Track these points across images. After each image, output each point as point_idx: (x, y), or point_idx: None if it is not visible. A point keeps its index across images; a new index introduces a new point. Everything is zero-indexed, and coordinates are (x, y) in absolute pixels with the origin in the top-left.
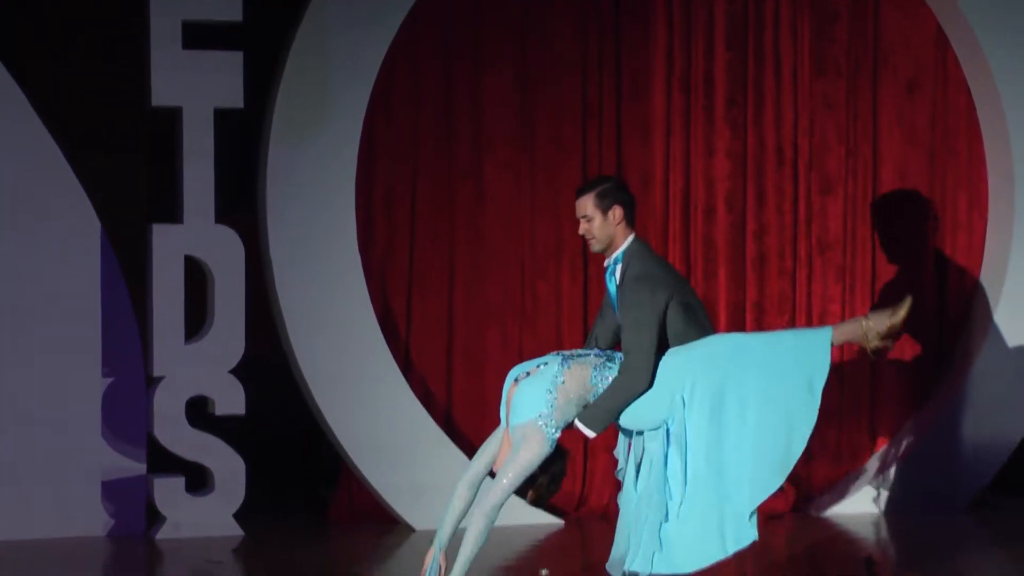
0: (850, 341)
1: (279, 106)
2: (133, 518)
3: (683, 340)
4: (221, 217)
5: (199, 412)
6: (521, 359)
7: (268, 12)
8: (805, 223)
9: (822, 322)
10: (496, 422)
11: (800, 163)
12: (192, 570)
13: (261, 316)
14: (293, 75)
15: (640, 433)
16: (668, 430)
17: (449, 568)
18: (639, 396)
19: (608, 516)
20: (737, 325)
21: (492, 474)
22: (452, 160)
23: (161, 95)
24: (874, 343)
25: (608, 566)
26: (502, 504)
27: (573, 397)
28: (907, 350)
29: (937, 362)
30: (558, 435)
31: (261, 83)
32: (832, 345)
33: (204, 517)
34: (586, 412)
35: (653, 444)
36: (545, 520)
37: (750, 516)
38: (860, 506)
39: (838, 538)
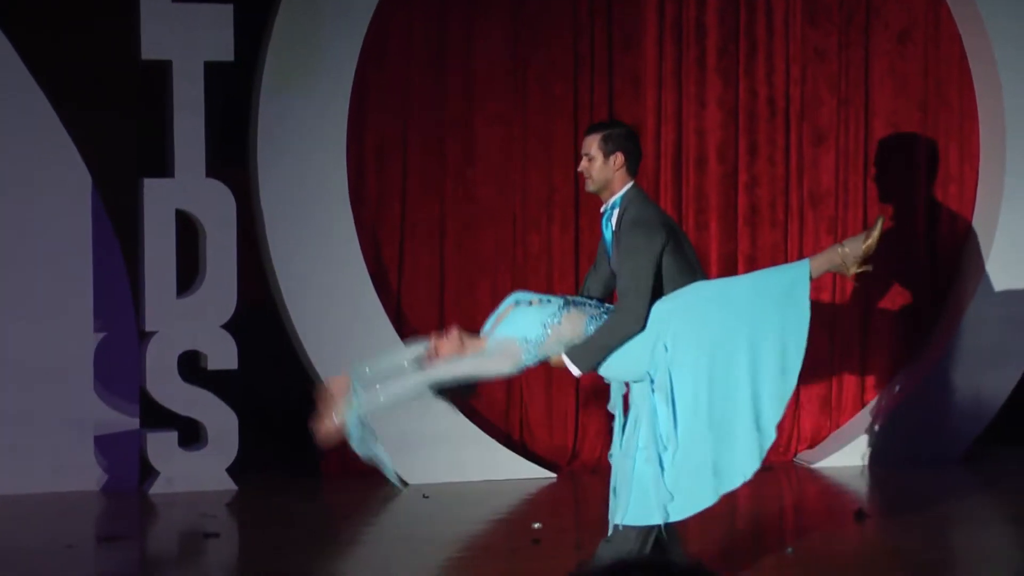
0: (829, 270)
1: (270, 59)
2: (126, 473)
3: (677, 285)
4: (212, 171)
5: (191, 367)
6: None
7: None
8: (797, 174)
9: None
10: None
11: (792, 114)
12: (185, 524)
13: (253, 270)
14: (284, 28)
15: (627, 386)
16: (652, 380)
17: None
18: (630, 338)
19: (600, 470)
20: (729, 275)
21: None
22: (443, 112)
23: (151, 49)
24: (853, 268)
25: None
26: (438, 382)
27: (564, 339)
28: (898, 301)
29: (928, 314)
30: (531, 365)
31: (251, 36)
32: (811, 277)
33: (197, 472)
34: (575, 348)
35: (640, 396)
36: (538, 474)
37: (758, 453)
38: (851, 458)
39: (829, 490)
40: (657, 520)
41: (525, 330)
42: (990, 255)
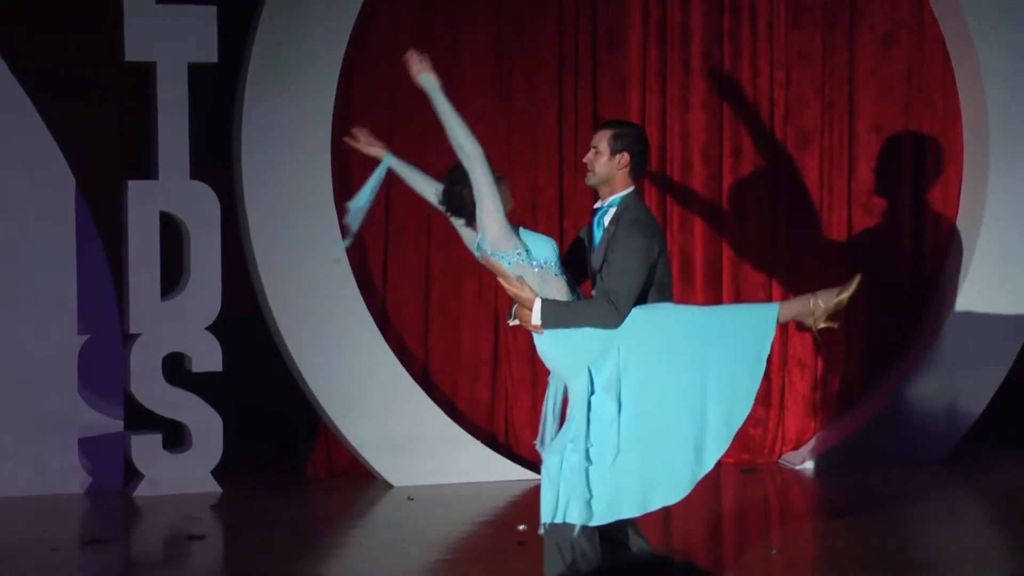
0: (796, 318)
1: (254, 60)
2: (111, 475)
3: (657, 295)
4: (196, 173)
5: (176, 369)
6: (497, 314)
7: None
8: (782, 177)
9: (798, 274)
10: (473, 378)
11: (776, 116)
12: (170, 527)
13: (237, 272)
14: (268, 29)
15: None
16: (592, 377)
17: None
18: (601, 328)
19: None
20: (714, 278)
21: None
22: (428, 113)
23: (135, 50)
24: (820, 323)
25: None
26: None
27: (545, 286)
28: (882, 303)
29: (912, 315)
30: (513, 261)
31: (236, 37)
32: (779, 322)
33: (182, 474)
34: (549, 302)
35: (577, 393)
36: (523, 476)
37: (689, 482)
38: (835, 460)
39: (813, 491)
40: (579, 520)
41: (535, 244)
42: (974, 256)
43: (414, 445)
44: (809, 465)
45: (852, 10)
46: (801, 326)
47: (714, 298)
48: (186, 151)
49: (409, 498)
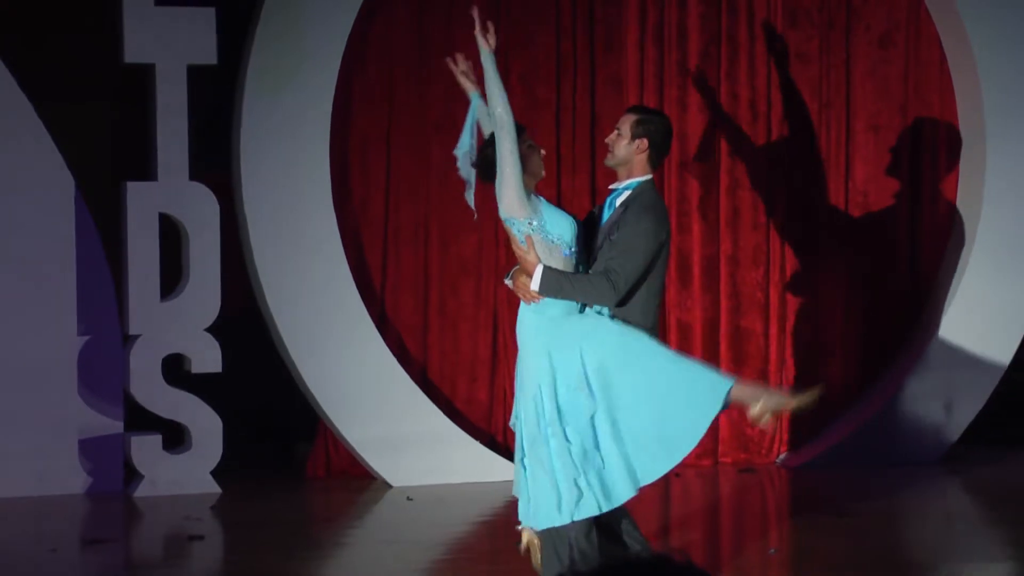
0: (743, 403)
1: (253, 62)
2: (111, 476)
3: (652, 286)
4: (195, 174)
5: (175, 370)
6: (496, 316)
7: None
8: (779, 177)
9: (795, 274)
10: (471, 378)
11: (773, 117)
12: (170, 527)
13: (236, 273)
14: (267, 31)
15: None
16: (552, 367)
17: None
18: (598, 305)
19: None
20: (711, 278)
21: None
22: (426, 114)
23: (134, 52)
24: (762, 417)
25: None
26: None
27: (544, 256)
28: (880, 304)
29: (909, 316)
30: (520, 228)
31: (235, 39)
32: (728, 398)
33: (181, 474)
34: (549, 269)
35: (533, 370)
36: None
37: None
38: (833, 460)
39: (811, 491)
40: (586, 513)
41: (552, 219)
42: (970, 257)
43: (413, 445)
44: (806, 465)
45: (848, 11)
46: (745, 408)
47: (712, 299)
48: (185, 152)
49: (408, 498)
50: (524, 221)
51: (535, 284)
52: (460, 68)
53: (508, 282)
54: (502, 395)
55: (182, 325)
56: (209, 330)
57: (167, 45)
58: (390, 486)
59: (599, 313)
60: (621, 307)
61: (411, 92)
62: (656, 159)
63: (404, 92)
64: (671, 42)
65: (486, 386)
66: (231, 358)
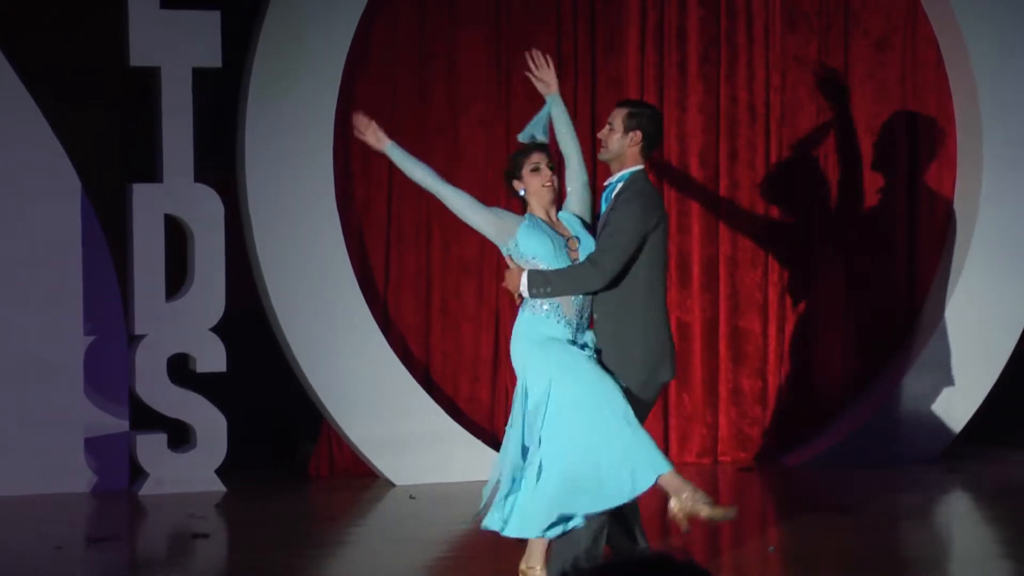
0: (666, 490)
1: (257, 65)
2: (116, 474)
3: (648, 270)
4: (200, 176)
5: (180, 369)
6: (498, 317)
7: None
8: (777, 179)
9: (793, 274)
10: (473, 378)
11: (772, 119)
12: (175, 525)
13: (241, 274)
14: (271, 34)
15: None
16: (527, 381)
17: None
18: (585, 291)
19: None
20: (711, 278)
21: None
22: (428, 116)
23: (139, 55)
24: (679, 513)
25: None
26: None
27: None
28: (878, 303)
29: (908, 315)
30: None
31: (239, 42)
32: (656, 481)
33: (186, 473)
34: (534, 272)
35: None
36: None
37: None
38: (832, 458)
39: (809, 489)
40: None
41: (529, 241)
42: (968, 257)
43: (415, 444)
44: (805, 463)
45: (846, 14)
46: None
47: (711, 299)
48: (190, 154)
49: (411, 496)
50: (503, 246)
51: (523, 289)
52: (539, 68)
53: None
54: (504, 395)
55: (187, 325)
56: (214, 330)
57: (172, 48)
58: (393, 485)
59: (588, 351)
60: (618, 289)
61: (413, 95)
62: (648, 150)
63: (406, 95)
64: (671, 44)
65: (488, 386)
66: (235, 358)
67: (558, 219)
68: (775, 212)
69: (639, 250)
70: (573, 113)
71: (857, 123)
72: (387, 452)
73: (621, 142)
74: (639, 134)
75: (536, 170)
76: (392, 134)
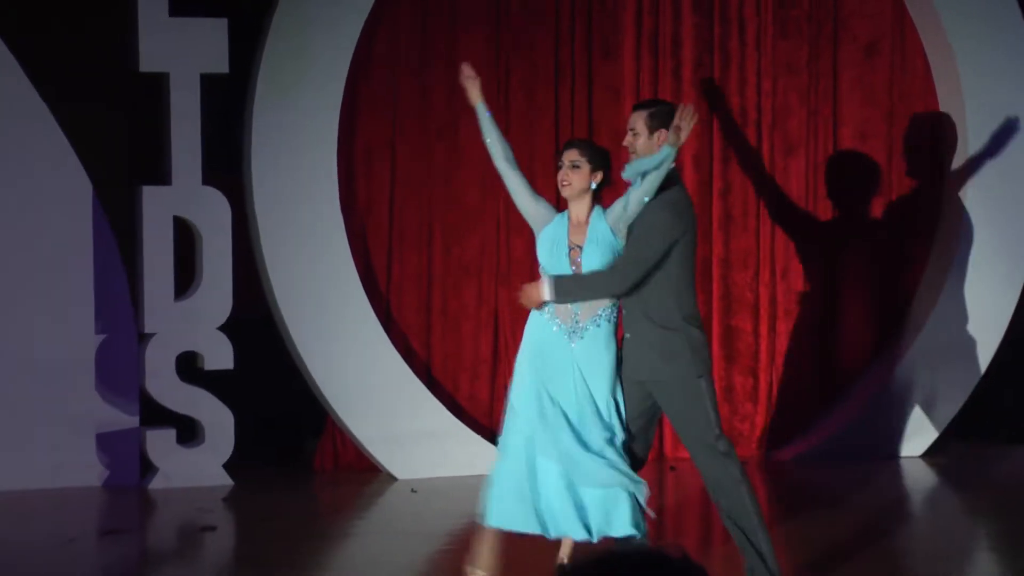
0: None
1: (263, 71)
2: (126, 469)
3: (676, 277)
4: (208, 179)
5: (189, 367)
6: (497, 316)
7: None
8: (769, 181)
9: (782, 275)
10: (473, 376)
11: (763, 124)
12: (183, 518)
13: (248, 274)
14: (276, 41)
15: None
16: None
17: None
18: (607, 296)
19: None
20: (704, 278)
21: None
22: (429, 121)
23: (149, 61)
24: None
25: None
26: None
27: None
28: (866, 302)
29: (895, 314)
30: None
31: (246, 49)
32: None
33: (194, 468)
34: (558, 278)
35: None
36: None
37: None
38: (820, 452)
39: (798, 482)
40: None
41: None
42: (954, 259)
43: (417, 440)
44: (794, 457)
45: (836, 22)
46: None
47: (704, 299)
48: (198, 158)
49: (412, 490)
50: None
51: (547, 294)
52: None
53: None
54: (502, 392)
55: (195, 324)
56: (221, 329)
57: (181, 55)
58: (395, 479)
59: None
60: (645, 290)
61: (415, 100)
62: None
63: (408, 100)
64: (666, 51)
65: (487, 383)
66: (242, 356)
67: (588, 220)
68: (765, 214)
69: (667, 256)
70: (571, 117)
71: (846, 127)
72: (389, 447)
73: (648, 144)
74: (664, 132)
75: (559, 168)
76: (396, 135)
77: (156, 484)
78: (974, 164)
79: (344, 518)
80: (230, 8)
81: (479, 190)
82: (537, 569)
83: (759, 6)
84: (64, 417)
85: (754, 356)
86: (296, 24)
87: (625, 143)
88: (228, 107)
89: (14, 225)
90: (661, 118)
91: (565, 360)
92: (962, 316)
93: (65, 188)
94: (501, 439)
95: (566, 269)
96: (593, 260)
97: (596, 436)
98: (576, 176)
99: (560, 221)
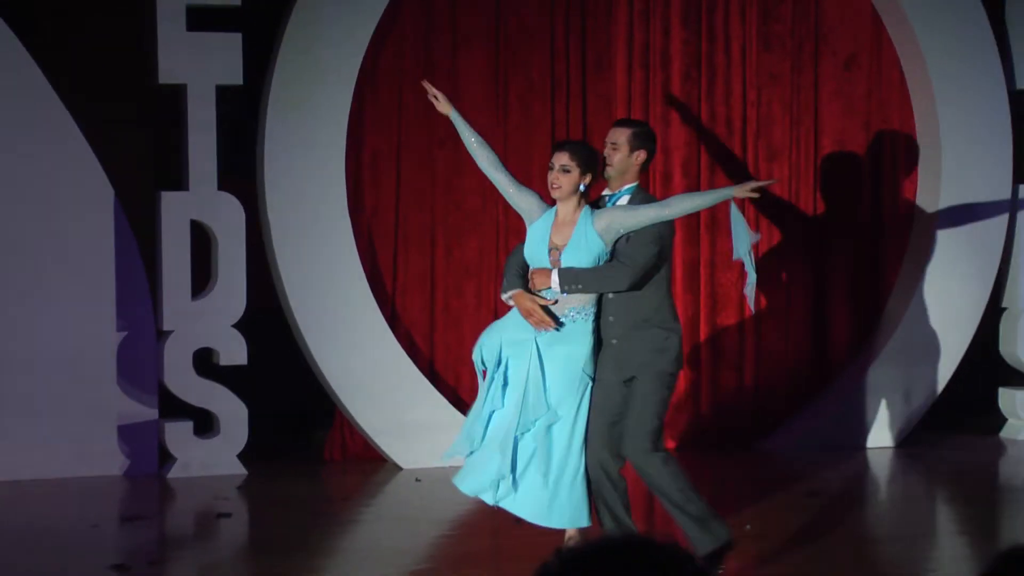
0: None
1: (275, 83)
2: (146, 459)
3: (668, 280)
4: (223, 184)
5: (205, 362)
6: (496, 314)
7: None
8: None
9: (766, 275)
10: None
11: (748, 133)
12: (200, 505)
13: (260, 274)
14: (288, 54)
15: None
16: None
17: None
18: (610, 291)
19: None
20: (692, 279)
21: None
22: (432, 131)
23: (167, 73)
24: None
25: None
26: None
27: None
28: (846, 300)
29: (873, 313)
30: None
31: (259, 62)
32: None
33: (211, 458)
34: (565, 270)
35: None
36: None
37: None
38: (803, 443)
39: (782, 472)
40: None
41: (529, 233)
42: (928, 259)
43: (421, 431)
44: (778, 448)
45: (817, 36)
46: None
47: (692, 298)
48: (214, 164)
49: (416, 479)
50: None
51: (555, 284)
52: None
53: (505, 296)
54: None
55: (211, 322)
56: (236, 326)
57: (197, 67)
58: (400, 468)
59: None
60: (640, 293)
61: (418, 111)
62: (646, 167)
63: (412, 111)
64: (656, 65)
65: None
66: (256, 352)
67: (575, 220)
68: (750, 217)
69: (660, 259)
70: (566, 128)
71: (826, 136)
72: (394, 438)
73: (627, 161)
74: (643, 153)
75: (550, 169)
76: (400, 145)
77: (174, 473)
78: (947, 169)
79: (352, 505)
80: (244, 24)
81: (479, 196)
82: (535, 558)
83: (744, 22)
84: (87, 410)
85: (739, 352)
86: (307, 39)
87: (605, 153)
88: (242, 117)
89: (41, 228)
90: (643, 140)
91: (529, 340)
92: (935, 314)
93: (89, 194)
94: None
95: (546, 266)
96: (571, 263)
97: (527, 420)
98: (566, 179)
99: (547, 218)
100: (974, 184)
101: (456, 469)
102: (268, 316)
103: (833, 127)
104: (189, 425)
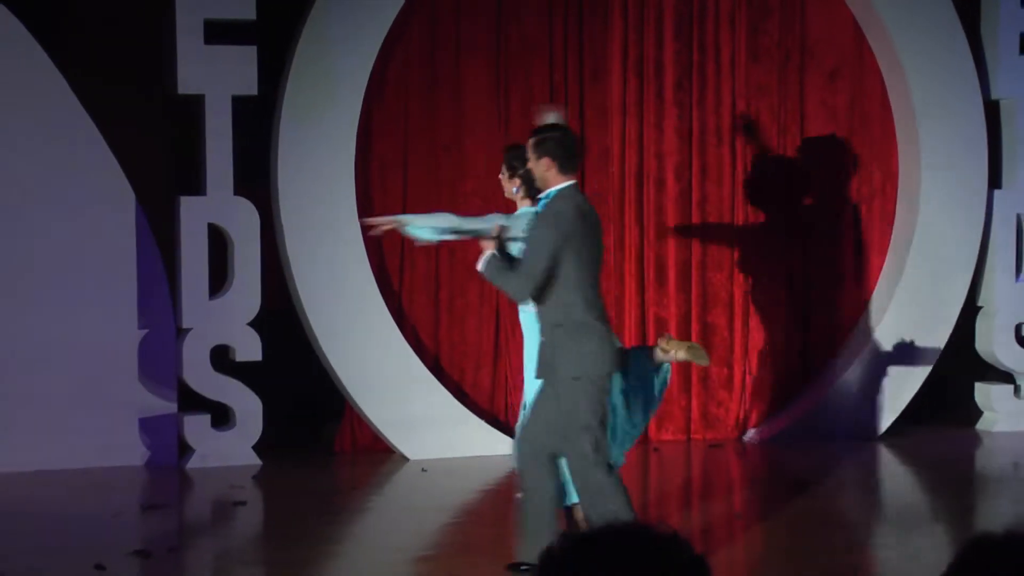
0: None
1: (288, 93)
2: (166, 450)
3: (576, 286)
4: (239, 189)
5: (222, 359)
6: (498, 313)
7: (278, 11)
8: (742, 192)
9: (755, 276)
10: (476, 366)
11: (737, 140)
12: (217, 494)
13: (274, 275)
14: (300, 66)
15: None
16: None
17: None
18: (510, 295)
19: None
20: (684, 279)
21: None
22: (437, 135)
23: (186, 84)
24: None
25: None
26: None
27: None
28: (832, 300)
29: (857, 312)
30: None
31: (273, 73)
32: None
33: (227, 449)
34: (494, 256)
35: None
36: None
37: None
38: (792, 435)
39: (772, 462)
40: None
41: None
42: (908, 260)
43: (427, 424)
44: (769, 440)
45: (803, 49)
46: None
47: (684, 297)
48: (230, 171)
49: (423, 470)
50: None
51: (480, 266)
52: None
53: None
54: (503, 381)
55: (227, 320)
56: (251, 324)
57: (214, 78)
58: (407, 459)
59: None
60: (550, 295)
61: (424, 120)
62: (564, 168)
63: (418, 120)
64: (649, 75)
65: (489, 373)
66: (270, 348)
67: (519, 216)
68: (739, 221)
69: (558, 262)
70: None
71: (811, 143)
72: (402, 430)
73: (536, 167)
74: (547, 160)
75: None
76: (407, 151)
77: (193, 464)
78: (926, 177)
79: (361, 495)
80: (259, 37)
81: (481, 199)
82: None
83: (734, 34)
84: (110, 404)
85: (729, 348)
86: (318, 52)
87: (500, 176)
88: (257, 125)
89: (66, 232)
90: (546, 146)
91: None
92: (915, 313)
93: (111, 199)
94: None
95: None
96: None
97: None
98: (505, 183)
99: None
100: (952, 189)
101: (454, 461)
102: (281, 315)
103: (818, 135)
104: (207, 418)
